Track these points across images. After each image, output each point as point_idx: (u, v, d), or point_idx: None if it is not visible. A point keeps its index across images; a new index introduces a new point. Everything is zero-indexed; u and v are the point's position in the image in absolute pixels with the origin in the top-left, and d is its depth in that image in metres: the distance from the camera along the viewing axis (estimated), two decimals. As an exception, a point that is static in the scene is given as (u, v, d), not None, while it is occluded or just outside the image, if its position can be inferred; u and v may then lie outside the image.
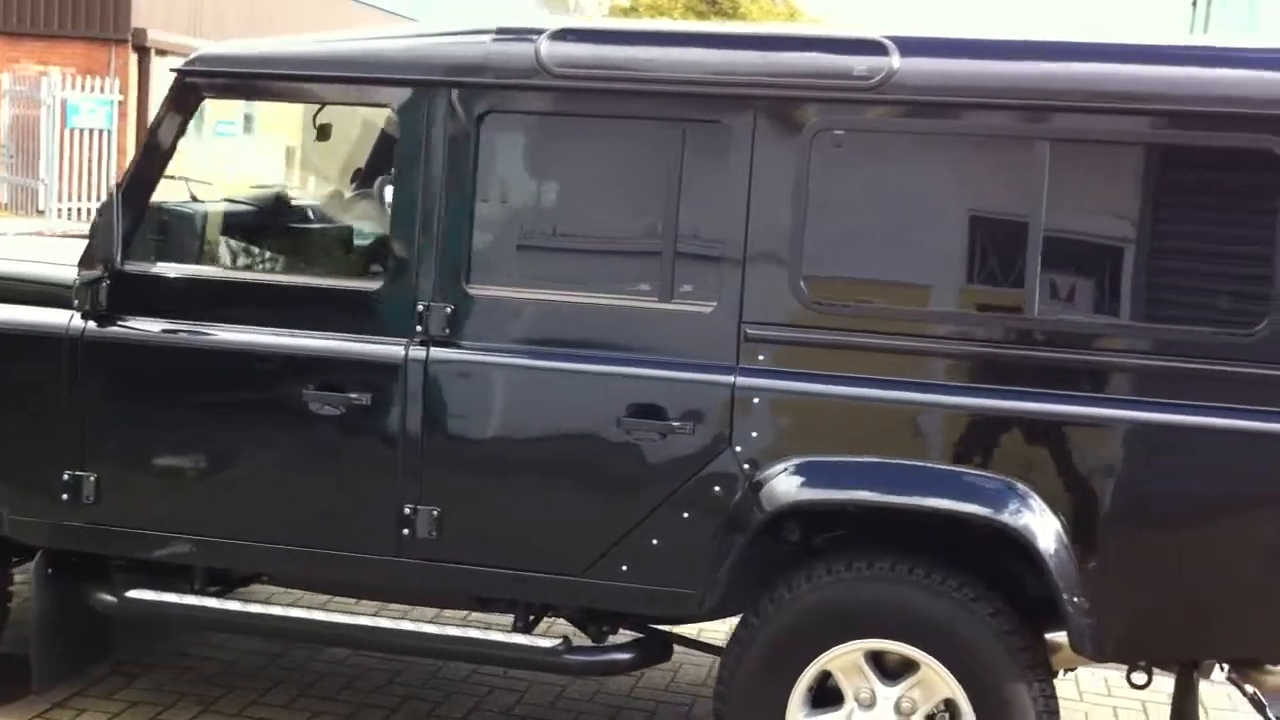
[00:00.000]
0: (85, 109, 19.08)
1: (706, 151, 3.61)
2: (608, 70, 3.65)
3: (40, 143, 18.89)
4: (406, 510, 3.76)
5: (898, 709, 3.54)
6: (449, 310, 3.72)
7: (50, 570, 4.08)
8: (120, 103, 19.66)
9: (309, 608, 4.11)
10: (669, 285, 3.64)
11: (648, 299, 3.67)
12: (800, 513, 3.58)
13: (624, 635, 3.95)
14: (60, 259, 4.28)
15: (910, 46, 3.53)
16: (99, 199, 19.44)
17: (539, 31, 3.72)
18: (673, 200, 3.62)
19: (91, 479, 3.97)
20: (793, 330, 3.56)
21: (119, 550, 4.07)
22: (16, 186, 19.59)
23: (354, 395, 3.76)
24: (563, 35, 3.70)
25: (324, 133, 4.75)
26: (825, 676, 3.60)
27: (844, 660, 3.56)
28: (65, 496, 3.98)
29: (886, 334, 3.53)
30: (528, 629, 3.91)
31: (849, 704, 3.58)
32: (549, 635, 3.86)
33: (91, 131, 19.30)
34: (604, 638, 3.99)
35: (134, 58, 20.11)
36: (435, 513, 3.75)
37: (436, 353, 3.74)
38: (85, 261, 3.96)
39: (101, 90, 19.47)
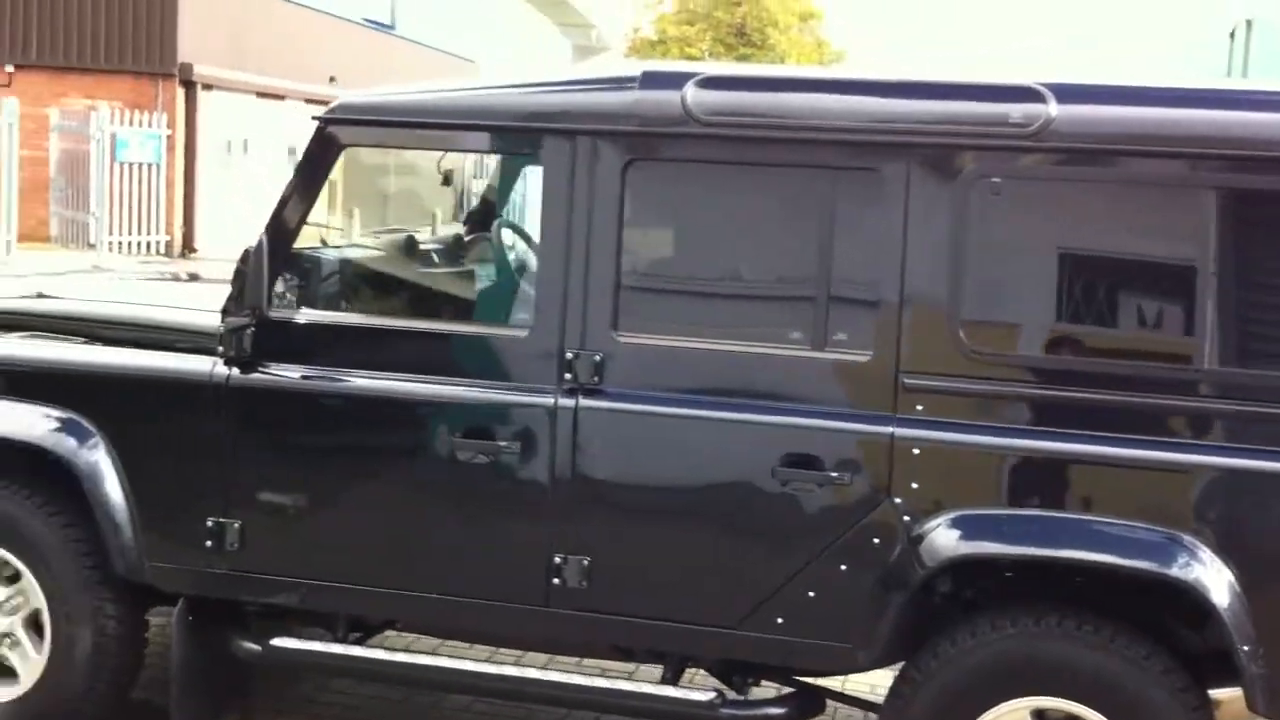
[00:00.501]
0: (134, 143, 19.21)
1: (860, 199, 3.61)
2: (757, 118, 3.66)
3: (90, 177, 19.02)
4: (556, 560, 3.75)
5: None
6: (597, 358, 3.72)
7: (191, 617, 4.08)
8: (168, 137, 19.79)
9: (456, 657, 4.08)
10: (823, 333, 3.63)
11: (801, 348, 3.66)
12: (958, 566, 3.55)
13: (772, 688, 3.92)
14: (186, 304, 4.31)
15: (1067, 94, 3.52)
16: (148, 232, 19.58)
17: (686, 77, 3.72)
18: (826, 248, 3.61)
19: (236, 526, 3.97)
20: (951, 380, 3.54)
21: (263, 597, 4.07)
22: (67, 220, 19.74)
23: (503, 443, 3.76)
24: (710, 83, 3.70)
25: (448, 179, 4.77)
26: (987, 731, 3.56)
27: (1010, 717, 3.51)
28: (209, 543, 3.98)
29: (1046, 383, 3.51)
30: (675, 680, 3.88)
31: (1012, 759, 3.54)
32: (701, 687, 3.83)
33: (140, 165, 19.43)
34: (746, 689, 3.96)
35: (181, 92, 20.23)
36: (585, 562, 3.73)
37: (586, 401, 3.73)
38: (230, 308, 3.97)
39: (149, 124, 19.61)
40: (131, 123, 19.38)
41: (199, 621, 4.10)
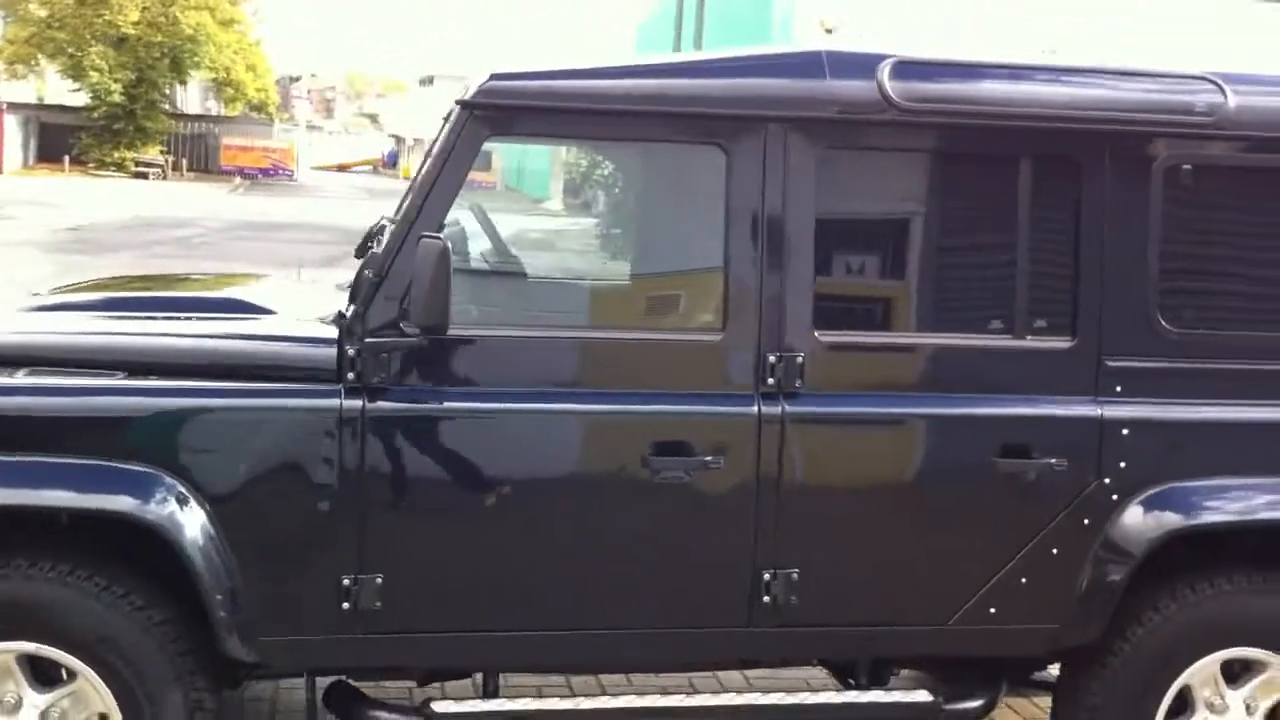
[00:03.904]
0: None
1: (1061, 185, 3.60)
2: (959, 105, 3.55)
3: None
4: (766, 576, 3.50)
5: (1249, 710, 3.75)
6: (799, 360, 3.49)
7: (311, 695, 3.43)
8: None
9: (645, 693, 3.68)
10: (1026, 322, 3.62)
11: (1002, 338, 3.62)
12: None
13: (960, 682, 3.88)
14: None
15: (1237, 82, 3.65)
16: None
17: (875, 60, 3.54)
18: (1025, 236, 3.59)
19: (377, 582, 3.35)
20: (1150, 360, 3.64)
21: (410, 661, 3.51)
22: None
23: (701, 458, 3.44)
24: (906, 68, 3.53)
25: None
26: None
27: (1204, 673, 3.72)
28: (345, 605, 3.34)
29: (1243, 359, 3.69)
30: (871, 685, 3.76)
31: (1200, 713, 3.74)
32: (916, 689, 3.73)
33: None
34: (886, 680, 3.90)
35: None
36: (794, 576, 3.51)
37: (790, 407, 3.49)
38: (361, 327, 3.33)
39: None
40: None
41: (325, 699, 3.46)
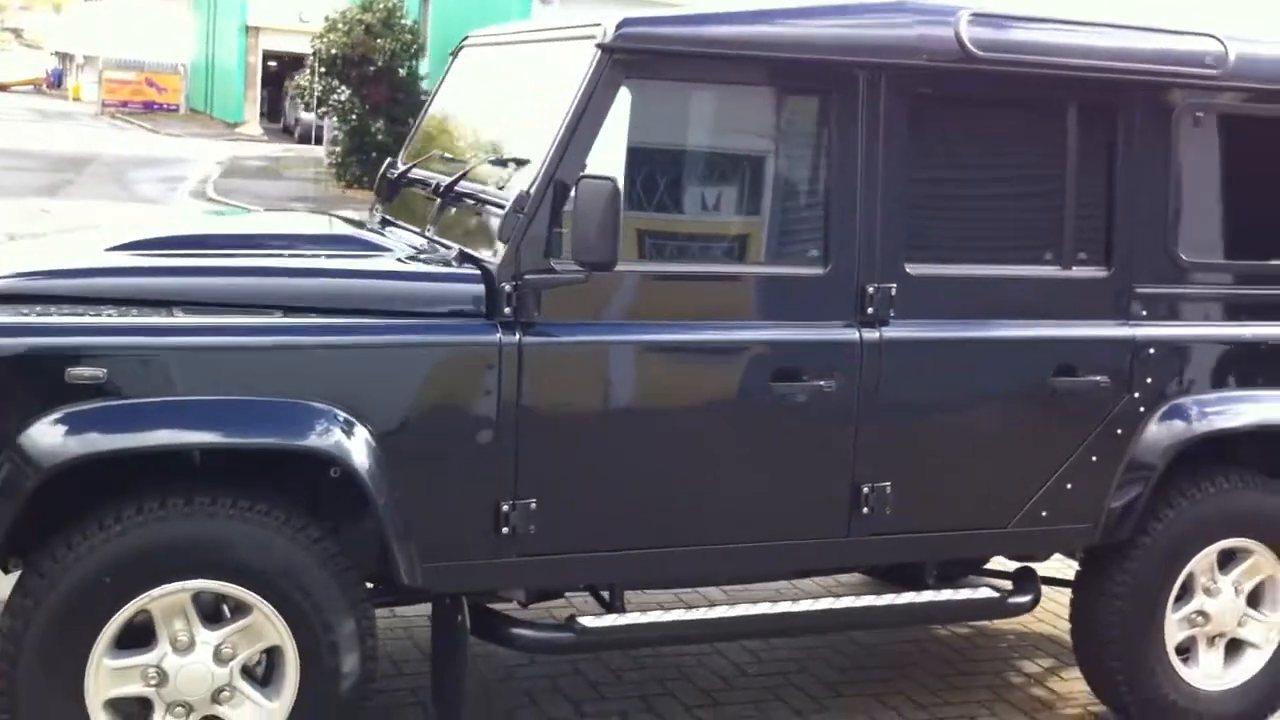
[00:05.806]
0: None
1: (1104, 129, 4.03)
2: (1025, 55, 3.90)
3: None
4: (864, 490, 3.83)
5: (1236, 591, 4.34)
6: (893, 291, 3.82)
7: (460, 618, 3.57)
8: None
9: (754, 603, 3.93)
10: (1072, 254, 4.05)
11: (1053, 268, 4.04)
12: None
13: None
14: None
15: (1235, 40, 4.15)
16: None
17: (949, 11, 3.85)
18: (1073, 174, 4.01)
19: (532, 506, 3.50)
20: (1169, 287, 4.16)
21: (563, 582, 3.73)
22: None
23: (811, 382, 3.74)
24: (981, 19, 3.86)
25: None
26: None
27: (1204, 562, 4.28)
28: (504, 530, 3.48)
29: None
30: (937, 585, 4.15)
31: (1199, 597, 4.30)
32: (981, 588, 4.14)
33: None
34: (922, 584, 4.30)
35: None
36: (888, 489, 3.86)
37: (888, 333, 3.82)
38: (518, 264, 3.45)
39: None
40: None
41: (468, 622, 3.60)
